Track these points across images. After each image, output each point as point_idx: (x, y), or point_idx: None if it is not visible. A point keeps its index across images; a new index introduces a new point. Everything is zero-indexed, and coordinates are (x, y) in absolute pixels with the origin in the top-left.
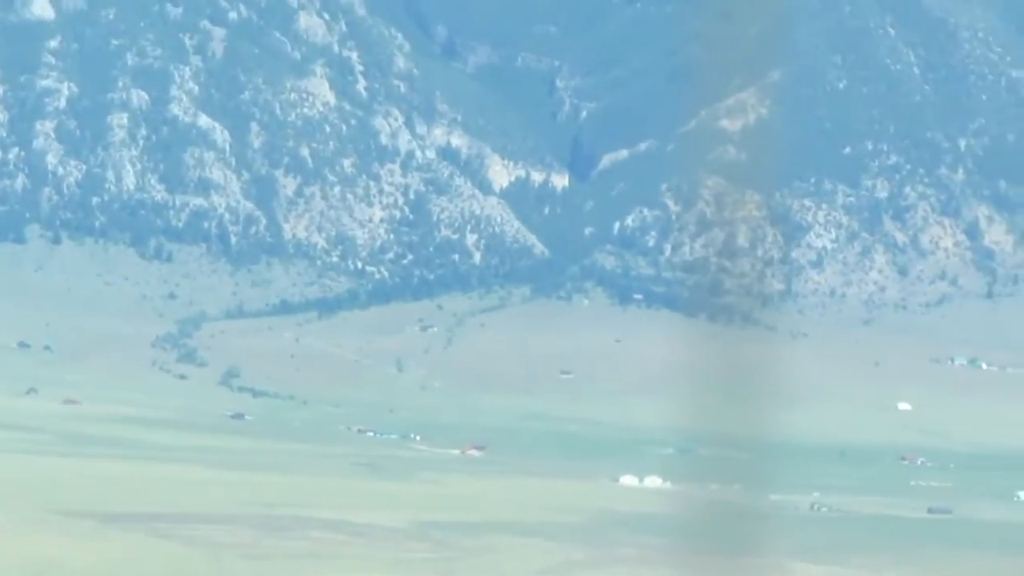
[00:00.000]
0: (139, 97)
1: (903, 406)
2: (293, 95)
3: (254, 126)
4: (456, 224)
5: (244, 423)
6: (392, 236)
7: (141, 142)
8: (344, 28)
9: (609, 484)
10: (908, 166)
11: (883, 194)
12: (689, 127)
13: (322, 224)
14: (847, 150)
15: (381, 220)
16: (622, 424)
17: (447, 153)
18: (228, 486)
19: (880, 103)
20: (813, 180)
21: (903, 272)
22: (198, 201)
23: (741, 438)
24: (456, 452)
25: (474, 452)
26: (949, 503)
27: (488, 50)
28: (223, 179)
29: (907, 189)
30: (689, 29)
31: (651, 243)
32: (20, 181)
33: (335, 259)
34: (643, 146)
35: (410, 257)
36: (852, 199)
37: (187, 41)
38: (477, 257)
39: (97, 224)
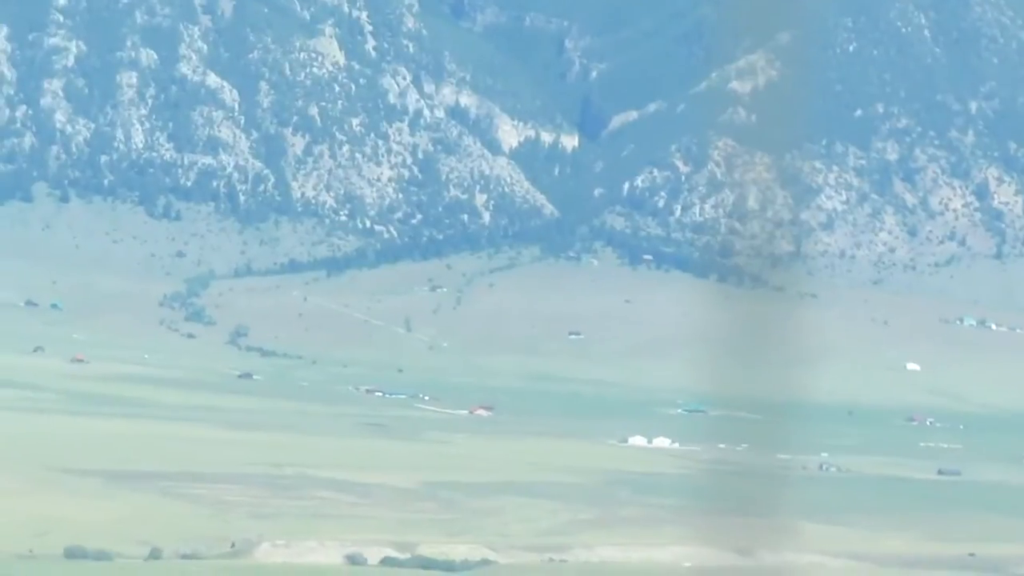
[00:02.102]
0: (148, 56)
1: (912, 366)
2: (302, 55)
3: (263, 85)
4: (465, 184)
5: (252, 382)
6: (401, 195)
7: (150, 101)
8: None
9: (617, 445)
10: (919, 128)
11: (893, 156)
12: (699, 88)
13: (330, 183)
14: (857, 112)
15: (390, 179)
16: (631, 385)
17: (456, 112)
18: (236, 445)
19: (891, 66)
20: (824, 142)
21: (912, 233)
22: (206, 160)
23: (750, 399)
24: (464, 412)
25: (482, 412)
26: (959, 464)
27: (496, 10)
28: (232, 138)
29: (917, 151)
30: None
31: (661, 204)
32: (28, 140)
33: (343, 218)
34: (653, 107)
35: (419, 216)
36: (862, 161)
37: (196, 0)
38: (486, 217)
39: (105, 183)
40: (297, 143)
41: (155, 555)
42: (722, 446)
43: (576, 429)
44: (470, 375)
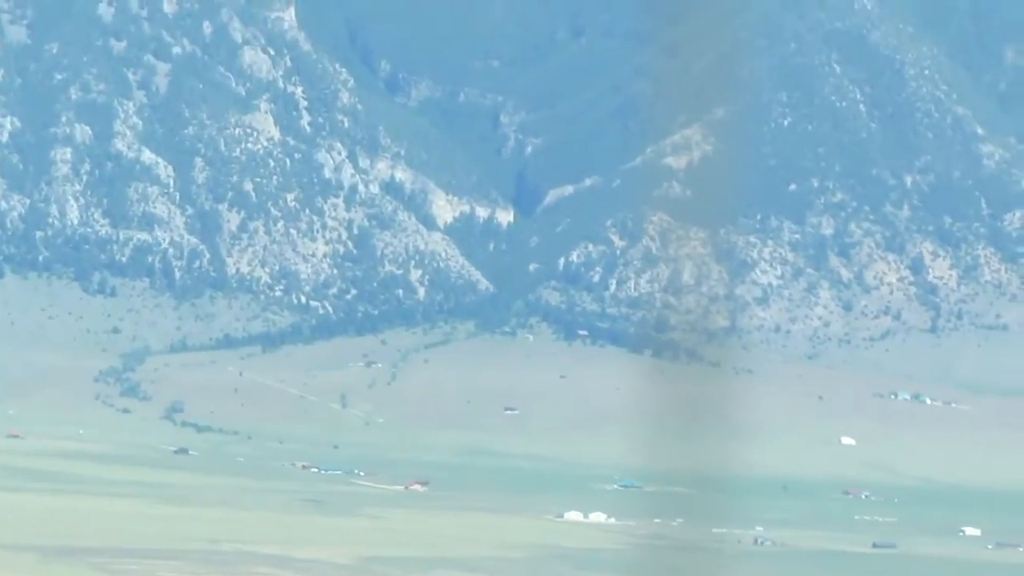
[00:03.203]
0: (83, 132)
1: (847, 440)
2: (237, 130)
3: (198, 161)
4: (400, 259)
5: (188, 458)
6: (336, 271)
7: (85, 177)
8: (288, 63)
9: (554, 520)
10: (853, 203)
11: (828, 231)
12: (634, 163)
13: (265, 258)
14: (792, 187)
15: (324, 255)
16: (567, 460)
17: (391, 187)
18: (171, 521)
19: (825, 140)
20: (759, 217)
21: (848, 307)
22: (142, 236)
23: (685, 473)
24: (400, 488)
25: (418, 488)
26: (894, 538)
27: (431, 84)
28: (167, 214)
29: (852, 226)
30: (634, 65)
31: (596, 279)
32: None
33: (278, 293)
34: (588, 182)
35: (354, 292)
36: (797, 236)
37: (131, 76)
38: (421, 292)
39: (40, 258)
40: (232, 219)
41: None
42: (658, 521)
43: (512, 504)
44: (406, 450)
